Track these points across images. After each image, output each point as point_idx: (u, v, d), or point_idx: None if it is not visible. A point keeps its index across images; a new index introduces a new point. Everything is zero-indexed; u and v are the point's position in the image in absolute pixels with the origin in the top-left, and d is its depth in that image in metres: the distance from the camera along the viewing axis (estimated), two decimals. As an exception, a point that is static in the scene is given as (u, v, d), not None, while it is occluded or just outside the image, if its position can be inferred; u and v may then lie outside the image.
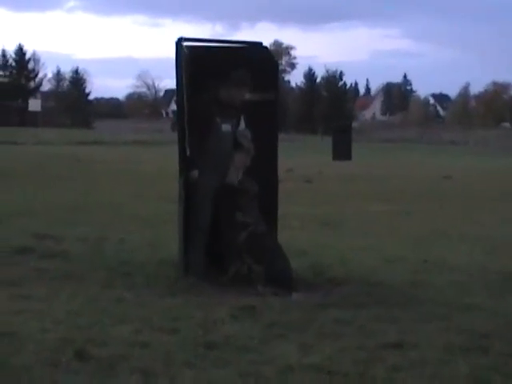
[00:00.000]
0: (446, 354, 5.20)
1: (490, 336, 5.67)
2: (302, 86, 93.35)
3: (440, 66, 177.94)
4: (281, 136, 8.66)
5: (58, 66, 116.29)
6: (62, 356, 4.91)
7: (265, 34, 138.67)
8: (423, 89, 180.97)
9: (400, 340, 5.47)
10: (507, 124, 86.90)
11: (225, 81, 7.38)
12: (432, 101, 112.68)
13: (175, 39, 7.64)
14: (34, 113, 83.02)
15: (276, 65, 8.38)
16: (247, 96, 7.55)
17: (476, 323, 6.03)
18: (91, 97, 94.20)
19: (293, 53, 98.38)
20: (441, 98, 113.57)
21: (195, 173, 7.38)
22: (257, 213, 7.40)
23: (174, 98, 8.90)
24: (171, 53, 7.72)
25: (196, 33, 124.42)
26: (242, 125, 7.60)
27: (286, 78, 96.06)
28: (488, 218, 13.70)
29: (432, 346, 5.39)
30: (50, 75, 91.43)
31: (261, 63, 7.82)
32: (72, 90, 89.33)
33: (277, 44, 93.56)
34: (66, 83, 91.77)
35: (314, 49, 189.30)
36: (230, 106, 7.43)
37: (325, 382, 4.65)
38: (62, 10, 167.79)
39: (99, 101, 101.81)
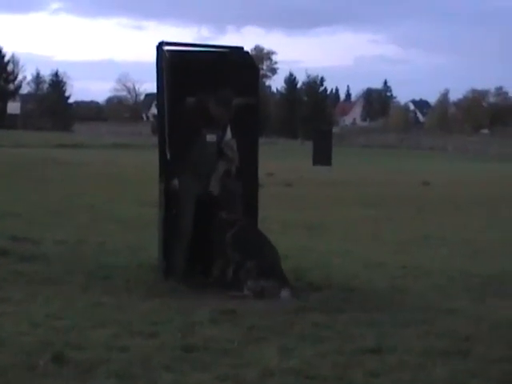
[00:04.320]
0: (425, 359, 5.21)
1: (471, 340, 5.69)
2: (283, 91, 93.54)
3: (420, 72, 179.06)
4: (262, 140, 8.68)
5: (37, 69, 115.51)
6: (40, 359, 4.87)
7: (251, 38, 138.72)
8: (403, 95, 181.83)
9: (379, 344, 5.47)
10: (486, 131, 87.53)
11: (210, 97, 7.34)
12: (412, 107, 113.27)
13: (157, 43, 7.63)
14: (13, 115, 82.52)
15: (257, 69, 8.39)
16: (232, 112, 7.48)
17: (456, 327, 6.05)
18: (71, 100, 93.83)
19: (274, 58, 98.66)
20: (420, 104, 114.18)
21: (175, 182, 7.35)
22: (240, 211, 7.42)
23: (155, 101, 8.85)
24: (153, 56, 7.71)
25: (181, 36, 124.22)
26: (229, 134, 7.58)
27: (267, 83, 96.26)
28: (467, 222, 13.78)
29: (410, 350, 5.39)
30: (29, 78, 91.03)
31: (242, 68, 7.82)
32: (51, 93, 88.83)
33: (258, 49, 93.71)
34: (45, 86, 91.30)
35: (299, 54, 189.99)
36: (215, 120, 7.41)
37: (304, 386, 4.65)
38: (45, 12, 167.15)
39: (79, 104, 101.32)
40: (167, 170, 7.45)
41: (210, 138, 7.43)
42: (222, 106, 7.36)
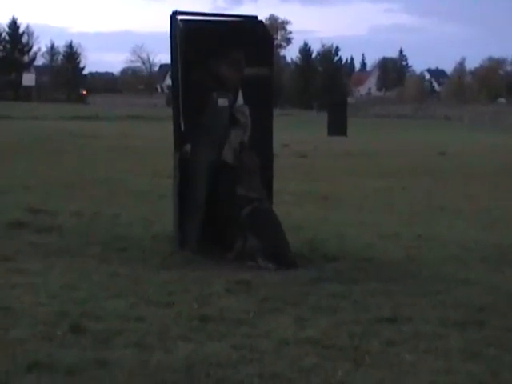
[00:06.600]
0: (441, 328, 5.22)
1: (486, 310, 5.69)
2: (298, 61, 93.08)
3: (436, 40, 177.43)
4: (276, 111, 8.63)
5: (51, 40, 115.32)
6: (57, 330, 4.91)
7: (267, 8, 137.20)
8: (419, 64, 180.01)
9: (394, 314, 5.49)
10: (503, 100, 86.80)
11: (223, 58, 7.30)
12: (428, 76, 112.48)
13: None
14: (28, 87, 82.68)
15: (271, 39, 8.32)
16: (244, 73, 7.45)
17: (472, 297, 6.05)
18: (86, 71, 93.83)
19: (289, 27, 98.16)
20: (436, 73, 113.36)
21: (188, 147, 7.33)
22: (259, 187, 7.37)
23: (169, 72, 8.78)
24: (168, 27, 7.66)
25: (197, 6, 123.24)
26: (240, 100, 7.50)
27: (282, 53, 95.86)
28: (483, 193, 13.73)
29: (426, 320, 5.40)
30: (44, 49, 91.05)
31: (256, 38, 7.76)
32: (66, 65, 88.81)
33: (272, 19, 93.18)
34: (59, 57, 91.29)
35: (314, 23, 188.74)
36: (226, 82, 7.36)
37: (320, 355, 4.66)
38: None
39: (94, 75, 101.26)
40: (181, 138, 7.43)
41: (222, 102, 7.37)
42: (233, 68, 7.30)
